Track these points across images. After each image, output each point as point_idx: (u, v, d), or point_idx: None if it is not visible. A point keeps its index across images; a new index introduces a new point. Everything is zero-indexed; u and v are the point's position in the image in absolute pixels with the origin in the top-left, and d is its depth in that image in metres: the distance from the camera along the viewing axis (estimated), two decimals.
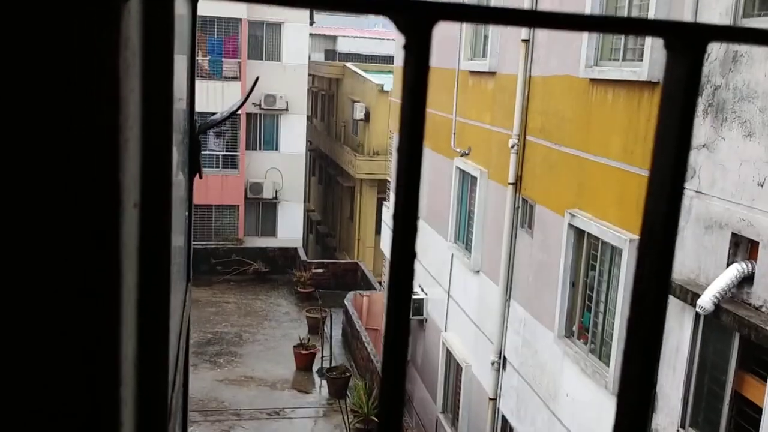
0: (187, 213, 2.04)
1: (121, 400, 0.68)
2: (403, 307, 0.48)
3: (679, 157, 0.45)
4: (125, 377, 0.72)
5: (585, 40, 8.68)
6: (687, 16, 6.87)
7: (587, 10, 8.66)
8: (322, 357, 17.46)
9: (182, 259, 1.91)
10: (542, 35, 10.07)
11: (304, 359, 17.52)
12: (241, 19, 25.32)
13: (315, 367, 17.57)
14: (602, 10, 8.59)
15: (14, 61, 0.56)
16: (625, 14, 8.27)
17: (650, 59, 7.43)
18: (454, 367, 13.37)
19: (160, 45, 0.76)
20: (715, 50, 6.49)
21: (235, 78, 25.44)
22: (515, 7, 0.48)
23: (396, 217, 0.47)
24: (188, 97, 2.02)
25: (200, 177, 2.22)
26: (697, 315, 6.53)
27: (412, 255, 0.48)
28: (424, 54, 0.44)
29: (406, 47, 0.45)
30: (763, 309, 5.88)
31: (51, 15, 0.55)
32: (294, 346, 17.78)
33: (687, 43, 0.44)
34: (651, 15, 7.47)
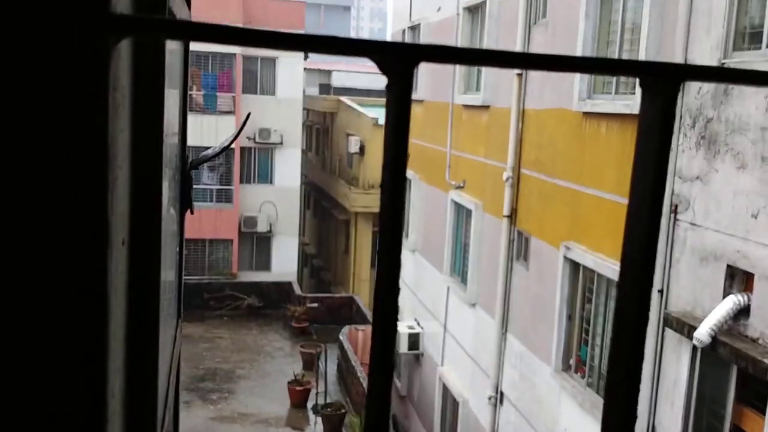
0: (177, 248, 2.04)
1: None
2: (389, 340, 0.48)
3: (655, 191, 0.46)
4: (112, 415, 0.71)
5: (578, 74, 8.78)
6: (678, 51, 6.96)
7: (579, 46, 8.78)
8: (317, 393, 17.27)
9: (173, 295, 1.90)
10: None
11: (299, 396, 17.32)
12: (235, 54, 25.55)
13: (310, 404, 17.36)
14: (594, 46, 8.71)
15: (2, 99, 0.56)
16: (617, 49, 8.37)
17: None
18: (450, 402, 13.25)
19: (151, 85, 0.77)
20: (706, 83, 6.57)
21: (229, 112, 25.57)
22: (495, 49, 0.50)
23: (381, 252, 0.48)
24: (180, 132, 2.03)
25: (191, 213, 2.22)
26: (695, 348, 6.50)
27: (396, 289, 0.48)
28: (406, 94, 0.45)
29: (388, 87, 0.46)
30: (760, 341, 5.87)
31: (39, 58, 0.55)
32: (288, 382, 17.59)
33: (660, 82, 0.45)
34: (642, 50, 7.57)
